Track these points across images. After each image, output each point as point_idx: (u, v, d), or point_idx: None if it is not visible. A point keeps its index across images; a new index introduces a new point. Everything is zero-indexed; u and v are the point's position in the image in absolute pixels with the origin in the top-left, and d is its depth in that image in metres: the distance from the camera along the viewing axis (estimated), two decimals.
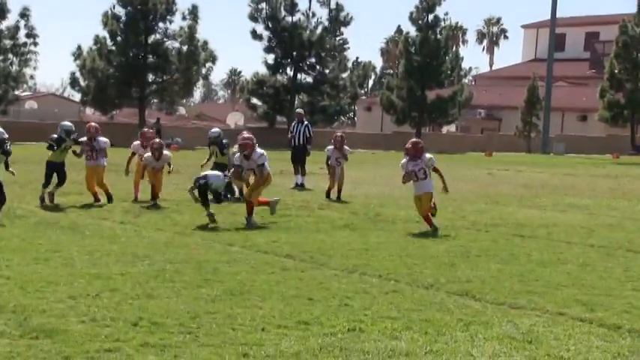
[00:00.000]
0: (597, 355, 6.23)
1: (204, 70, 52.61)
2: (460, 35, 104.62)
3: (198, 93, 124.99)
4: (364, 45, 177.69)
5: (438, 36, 58.10)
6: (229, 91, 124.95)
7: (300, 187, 20.38)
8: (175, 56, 50.05)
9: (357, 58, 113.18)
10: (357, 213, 15.26)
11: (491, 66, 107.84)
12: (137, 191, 16.42)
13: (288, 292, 8.08)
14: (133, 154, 16.92)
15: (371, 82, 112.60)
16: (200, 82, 66.84)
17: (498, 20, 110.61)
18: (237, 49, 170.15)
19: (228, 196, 15.75)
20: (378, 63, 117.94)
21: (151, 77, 51.50)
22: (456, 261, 10.24)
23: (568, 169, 34.25)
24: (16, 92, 52.87)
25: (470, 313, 7.40)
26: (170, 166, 15.92)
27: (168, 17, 50.29)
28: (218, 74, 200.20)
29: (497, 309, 7.64)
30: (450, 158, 38.06)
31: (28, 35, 49.63)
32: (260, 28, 56.58)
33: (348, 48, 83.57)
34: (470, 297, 8.12)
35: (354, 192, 19.05)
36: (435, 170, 13.21)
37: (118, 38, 49.90)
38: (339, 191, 17.83)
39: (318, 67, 57.58)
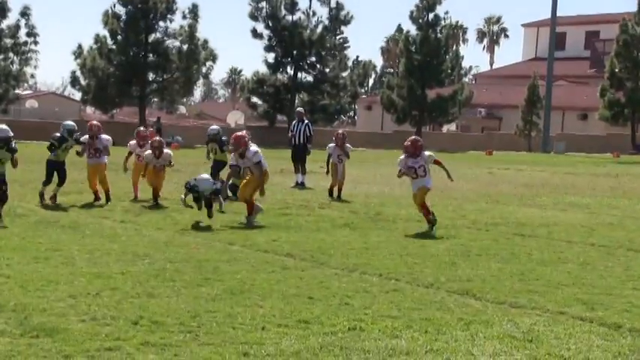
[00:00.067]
0: (598, 354, 6.23)
1: (204, 69, 52.69)
2: (460, 34, 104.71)
3: (198, 92, 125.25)
4: (364, 44, 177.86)
5: (439, 35, 58.18)
6: (229, 90, 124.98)
7: (301, 185, 20.38)
8: (176, 55, 50.09)
9: (358, 57, 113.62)
10: (358, 212, 15.25)
11: (491, 65, 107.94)
12: (136, 190, 16.46)
13: (289, 291, 8.08)
14: (130, 153, 17.00)
15: (371, 81, 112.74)
16: (200, 81, 67.02)
17: (499, 19, 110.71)
18: (238, 48, 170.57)
19: (230, 195, 15.73)
20: (379, 62, 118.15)
21: (151, 76, 51.57)
22: (457, 260, 10.23)
23: (568, 168, 34.25)
24: (17, 91, 52.96)
25: (470, 312, 7.40)
26: (171, 164, 15.92)
27: (168, 16, 50.37)
28: (218, 73, 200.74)
29: (498, 308, 7.63)
30: (450, 157, 38.02)
31: (28, 34, 49.72)
32: (260, 27, 56.70)
33: (349, 47, 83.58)
34: (470, 296, 8.12)
35: (354, 191, 19.05)
36: (437, 163, 13.16)
37: (119, 37, 49.95)
38: (340, 190, 17.83)
39: (318, 65, 57.62)
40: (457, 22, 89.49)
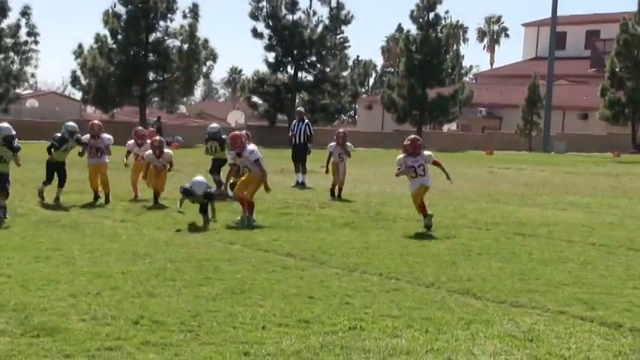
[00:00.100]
0: (598, 354, 6.23)
1: (204, 69, 52.67)
2: (461, 33, 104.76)
3: (198, 91, 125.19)
4: (365, 43, 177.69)
5: (439, 34, 58.12)
6: (230, 90, 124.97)
7: (301, 185, 20.38)
8: (176, 54, 50.08)
9: (358, 56, 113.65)
10: (358, 211, 15.25)
11: (492, 64, 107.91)
12: (136, 190, 16.48)
13: (289, 290, 8.08)
14: (129, 152, 17.07)
15: (372, 81, 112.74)
16: (201, 81, 66.91)
17: (499, 18, 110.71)
18: (238, 48, 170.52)
19: (230, 194, 15.72)
20: (379, 61, 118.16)
21: (151, 75, 51.55)
22: (457, 259, 10.23)
23: (569, 168, 34.25)
24: (17, 91, 52.93)
25: (471, 312, 7.40)
26: (171, 166, 15.93)
27: (168, 15, 50.35)
28: (219, 72, 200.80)
29: (498, 307, 7.64)
30: (450, 156, 38.01)
31: (29, 34, 49.71)
32: (261, 27, 56.61)
33: (349, 46, 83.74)
34: (471, 295, 8.12)
35: (354, 190, 19.05)
36: (435, 164, 13.18)
37: (119, 36, 49.93)
38: (340, 190, 17.84)
39: (318, 65, 57.56)
40: (457, 21, 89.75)
